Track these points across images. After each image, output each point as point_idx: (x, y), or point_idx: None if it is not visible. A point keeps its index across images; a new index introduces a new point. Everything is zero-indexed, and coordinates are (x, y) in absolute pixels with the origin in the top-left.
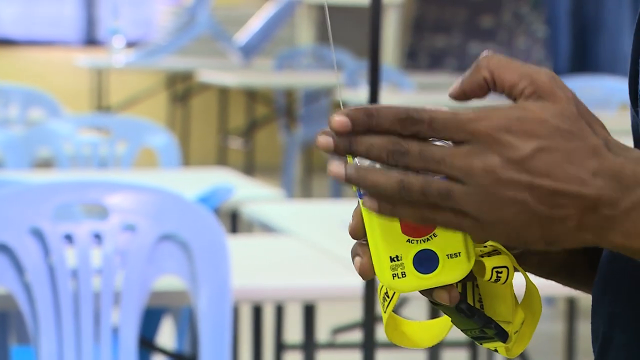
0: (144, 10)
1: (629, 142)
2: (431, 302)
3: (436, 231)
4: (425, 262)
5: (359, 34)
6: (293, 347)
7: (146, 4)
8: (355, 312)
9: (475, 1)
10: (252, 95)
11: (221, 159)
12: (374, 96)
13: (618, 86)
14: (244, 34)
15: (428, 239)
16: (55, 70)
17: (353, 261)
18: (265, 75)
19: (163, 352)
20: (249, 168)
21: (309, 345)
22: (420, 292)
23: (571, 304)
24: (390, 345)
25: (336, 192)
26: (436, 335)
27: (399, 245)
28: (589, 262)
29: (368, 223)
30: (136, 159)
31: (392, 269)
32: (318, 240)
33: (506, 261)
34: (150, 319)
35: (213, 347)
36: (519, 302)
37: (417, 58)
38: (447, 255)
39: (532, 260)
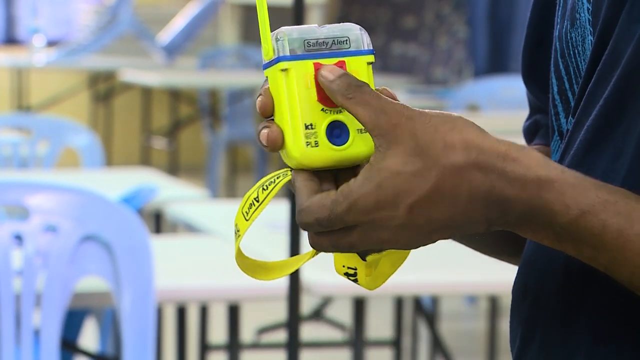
0: (65, 9)
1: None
2: None
3: None
4: (337, 133)
5: None
6: (217, 347)
7: (67, 2)
8: (279, 312)
9: (398, 1)
10: (175, 95)
11: (145, 159)
12: None
13: None
14: (167, 33)
15: (340, 111)
16: None
17: (259, 137)
18: (188, 75)
19: (86, 354)
20: (173, 168)
21: (234, 345)
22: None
23: (493, 302)
24: (314, 345)
25: None
26: (285, 268)
27: (314, 113)
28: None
29: (288, 88)
30: (58, 159)
31: (306, 136)
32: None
33: None
34: (73, 321)
35: (136, 348)
36: None
37: None
38: (357, 129)
39: None
